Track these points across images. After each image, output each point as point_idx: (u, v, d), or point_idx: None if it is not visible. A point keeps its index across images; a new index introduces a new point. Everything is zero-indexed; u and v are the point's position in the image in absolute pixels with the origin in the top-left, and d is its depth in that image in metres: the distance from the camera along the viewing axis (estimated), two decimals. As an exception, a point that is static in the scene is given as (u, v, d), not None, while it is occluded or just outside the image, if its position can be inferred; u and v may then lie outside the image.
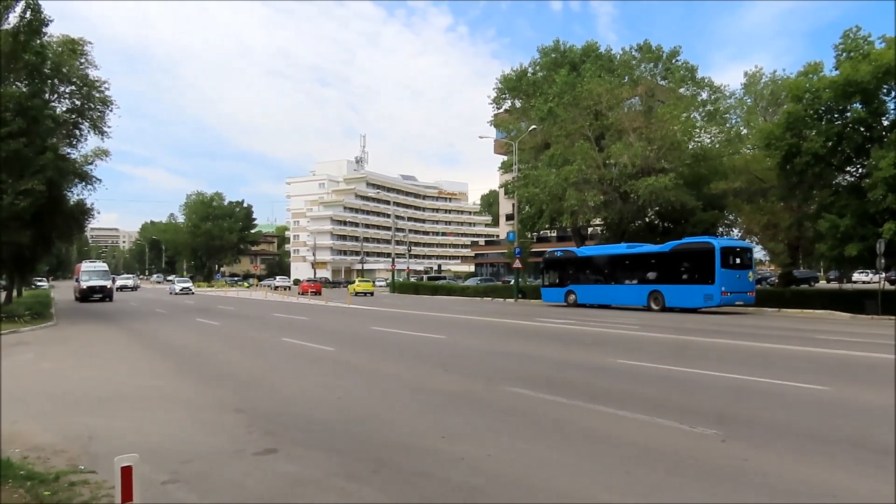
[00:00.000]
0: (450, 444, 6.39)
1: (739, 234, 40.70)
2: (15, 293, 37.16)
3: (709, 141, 39.35)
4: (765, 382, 9.63)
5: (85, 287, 39.16)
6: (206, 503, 4.87)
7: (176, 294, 53.45)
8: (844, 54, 26.63)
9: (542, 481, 5.30)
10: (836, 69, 26.84)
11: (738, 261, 27.82)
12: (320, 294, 53.88)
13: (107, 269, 45.23)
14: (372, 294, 52.92)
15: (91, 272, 41.31)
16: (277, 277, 49.10)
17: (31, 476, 5.20)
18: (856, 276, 55.26)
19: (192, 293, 55.09)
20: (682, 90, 40.79)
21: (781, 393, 9.00)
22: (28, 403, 8.80)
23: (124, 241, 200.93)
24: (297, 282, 79.38)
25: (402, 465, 5.75)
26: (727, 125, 38.72)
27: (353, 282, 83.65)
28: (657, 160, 35.34)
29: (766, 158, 30.84)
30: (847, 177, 28.52)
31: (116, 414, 8.10)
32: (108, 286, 40.77)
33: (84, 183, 30.57)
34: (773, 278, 50.73)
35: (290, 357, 13.73)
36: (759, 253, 47.40)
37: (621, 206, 36.39)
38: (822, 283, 54.66)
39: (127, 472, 3.64)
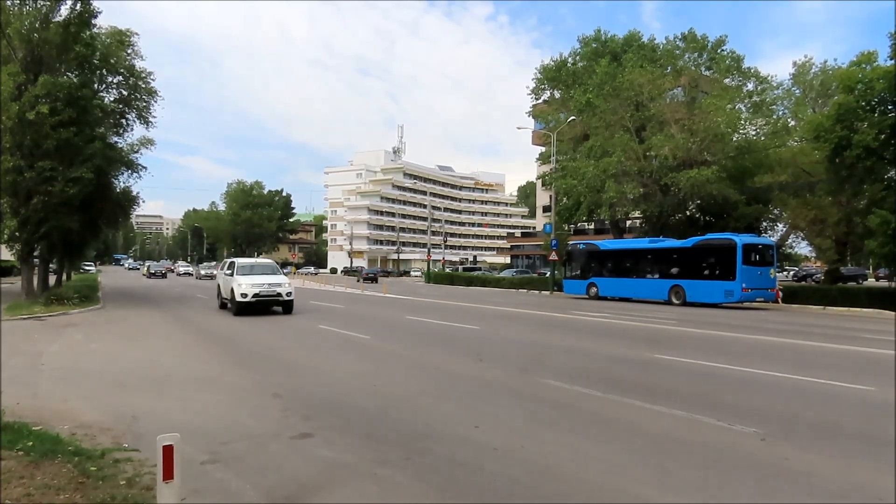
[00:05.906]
0: (483, 433, 6.41)
1: (784, 230, 39.61)
2: (64, 277, 38.52)
3: (754, 133, 38.22)
4: (806, 381, 9.37)
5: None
6: (243, 484, 4.98)
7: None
8: (900, 43, 25.52)
9: (575, 473, 5.28)
10: (890, 59, 25.78)
11: (759, 257, 27.56)
12: None
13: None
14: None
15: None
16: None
17: (79, 452, 5.41)
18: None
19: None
20: (727, 81, 39.69)
21: (824, 392, 8.75)
22: (77, 383, 9.14)
23: (167, 229, 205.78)
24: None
25: (435, 453, 5.79)
26: (774, 117, 37.56)
27: (389, 271, 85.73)
28: (699, 152, 34.56)
29: (814, 151, 29.95)
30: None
31: (159, 394, 8.35)
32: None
33: (130, 171, 31.51)
34: (818, 275, 49.24)
35: (326, 344, 13.92)
36: (804, 249, 46.12)
37: (661, 199, 35.69)
38: (871, 281, 52.74)
39: (168, 451, 3.76)
